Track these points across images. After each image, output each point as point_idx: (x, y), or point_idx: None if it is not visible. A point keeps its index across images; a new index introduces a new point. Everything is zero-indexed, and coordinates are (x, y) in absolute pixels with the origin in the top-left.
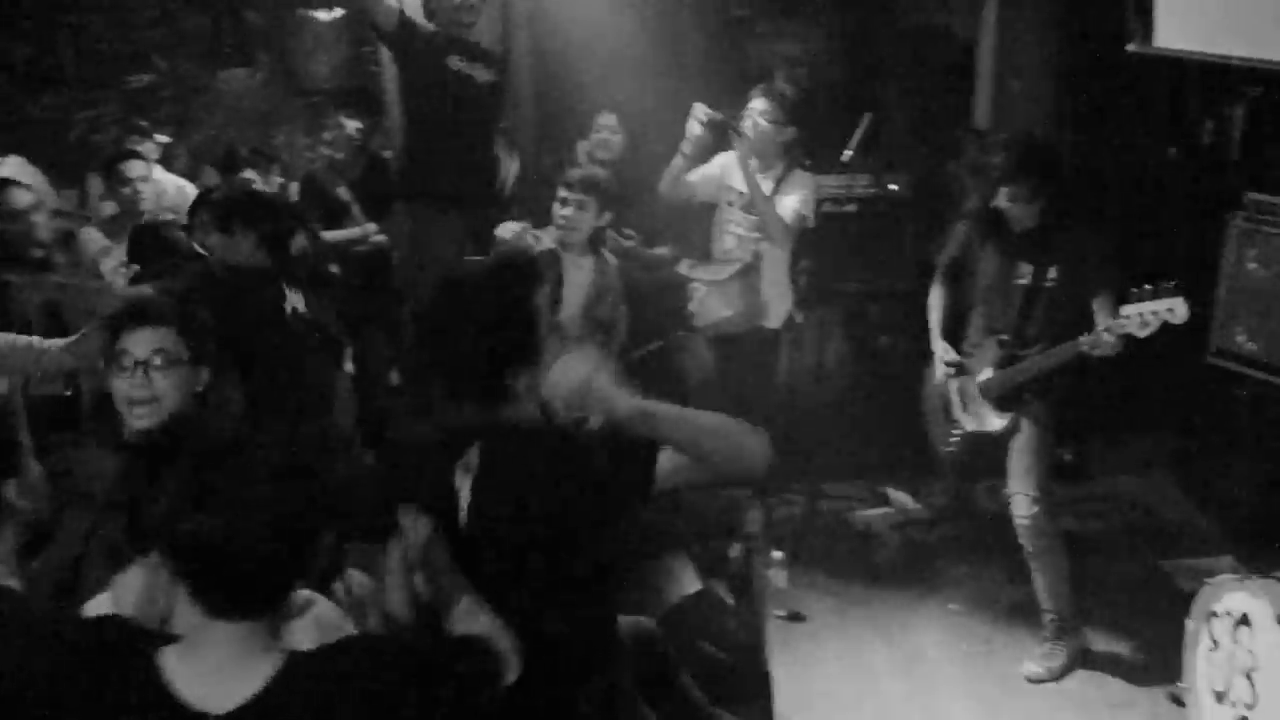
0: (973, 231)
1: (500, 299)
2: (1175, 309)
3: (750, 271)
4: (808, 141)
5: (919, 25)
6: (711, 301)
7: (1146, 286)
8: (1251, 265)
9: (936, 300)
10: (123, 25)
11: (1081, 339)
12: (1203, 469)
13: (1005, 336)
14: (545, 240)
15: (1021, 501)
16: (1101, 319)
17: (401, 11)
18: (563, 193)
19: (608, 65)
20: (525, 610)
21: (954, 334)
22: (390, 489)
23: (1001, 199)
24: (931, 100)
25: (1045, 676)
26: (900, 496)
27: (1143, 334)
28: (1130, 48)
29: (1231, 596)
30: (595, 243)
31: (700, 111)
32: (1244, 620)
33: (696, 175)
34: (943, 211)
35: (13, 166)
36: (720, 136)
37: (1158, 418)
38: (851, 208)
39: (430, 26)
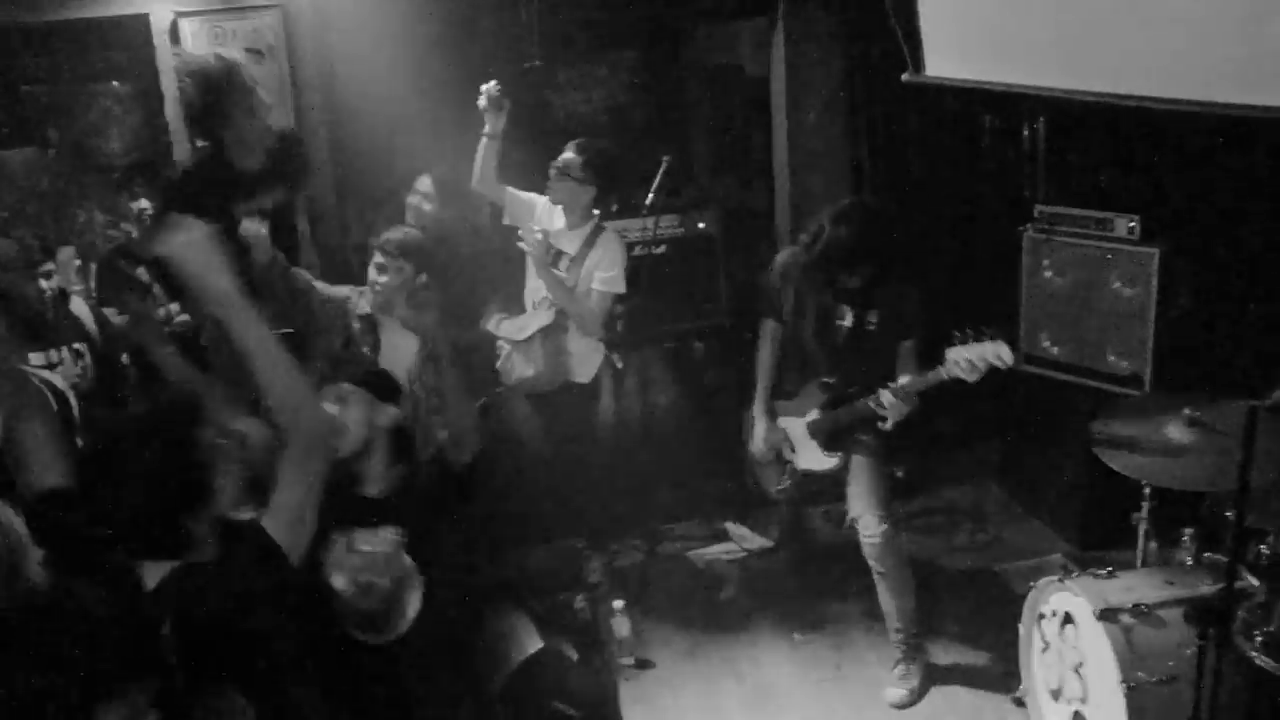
0: (793, 286)
1: (165, 444)
2: (1002, 354)
3: (554, 330)
4: (613, 193)
5: (713, 65)
6: (515, 360)
7: (968, 330)
8: (1048, 274)
9: (764, 356)
10: None
11: (874, 401)
12: (1027, 473)
13: (829, 380)
14: (363, 304)
15: (869, 521)
16: (903, 366)
17: None
18: (377, 257)
19: (405, 125)
20: None
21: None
22: None
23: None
24: (732, 137)
25: (910, 699)
26: (738, 529)
27: (972, 378)
28: (905, 78)
29: (1056, 597)
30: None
31: (488, 88)
32: (1068, 619)
33: (513, 197)
34: (753, 245)
35: None
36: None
37: (981, 427)
38: (662, 249)
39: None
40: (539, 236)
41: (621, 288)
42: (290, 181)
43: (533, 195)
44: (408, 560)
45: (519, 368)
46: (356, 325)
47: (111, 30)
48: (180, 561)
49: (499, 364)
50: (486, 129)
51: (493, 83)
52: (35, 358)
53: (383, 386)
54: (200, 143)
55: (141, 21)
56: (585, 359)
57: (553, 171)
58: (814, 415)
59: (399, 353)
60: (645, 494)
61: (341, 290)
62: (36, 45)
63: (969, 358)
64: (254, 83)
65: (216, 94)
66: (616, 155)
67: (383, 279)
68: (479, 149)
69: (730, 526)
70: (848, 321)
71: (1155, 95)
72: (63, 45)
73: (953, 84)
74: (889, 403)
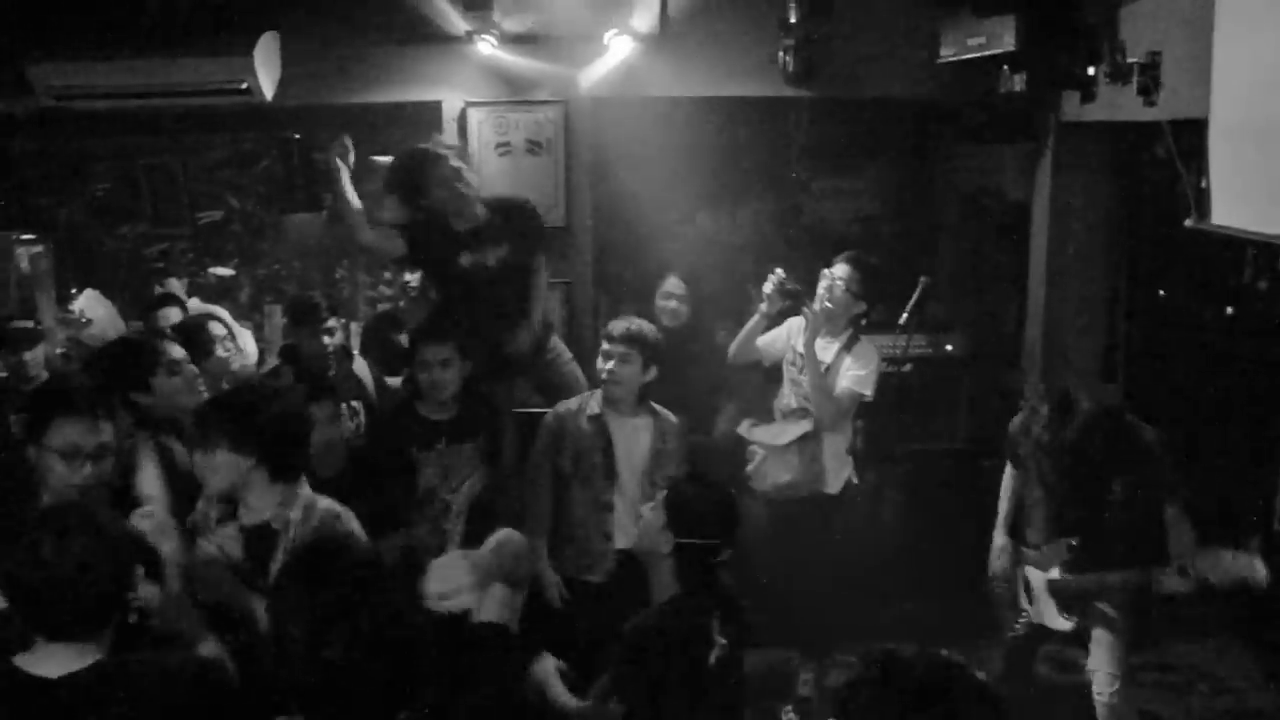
0: (1037, 430)
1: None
2: (1257, 574)
3: (812, 438)
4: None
5: (971, 185)
6: (771, 466)
7: (1226, 536)
8: None
9: (1004, 498)
10: (198, 165)
11: (1158, 574)
12: (1274, 639)
13: (1074, 542)
14: (594, 404)
15: (1102, 679)
16: (1176, 535)
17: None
18: (605, 345)
19: (665, 227)
20: None
21: (1019, 515)
22: None
23: None
24: (985, 259)
25: None
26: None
27: (1218, 584)
28: (1187, 224)
29: None
30: (647, 399)
31: (777, 278)
32: None
33: (765, 339)
34: (998, 372)
35: (86, 299)
36: (794, 303)
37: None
38: (908, 368)
39: (431, 227)
40: (843, 294)
41: (870, 390)
42: (516, 241)
43: (779, 330)
44: None
45: (774, 473)
46: (587, 428)
47: (405, 113)
48: None
49: (751, 468)
50: (764, 308)
51: (781, 271)
52: (315, 410)
53: None
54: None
55: (434, 108)
56: (836, 471)
57: (824, 283)
58: (1055, 575)
59: (631, 446)
60: (864, 611)
61: (572, 403)
62: (332, 121)
63: (1220, 566)
64: (457, 166)
65: (415, 172)
66: (885, 272)
67: (610, 366)
68: (750, 324)
69: (948, 655)
70: (1093, 484)
71: None
72: (355, 123)
73: (1241, 236)
74: (1174, 586)
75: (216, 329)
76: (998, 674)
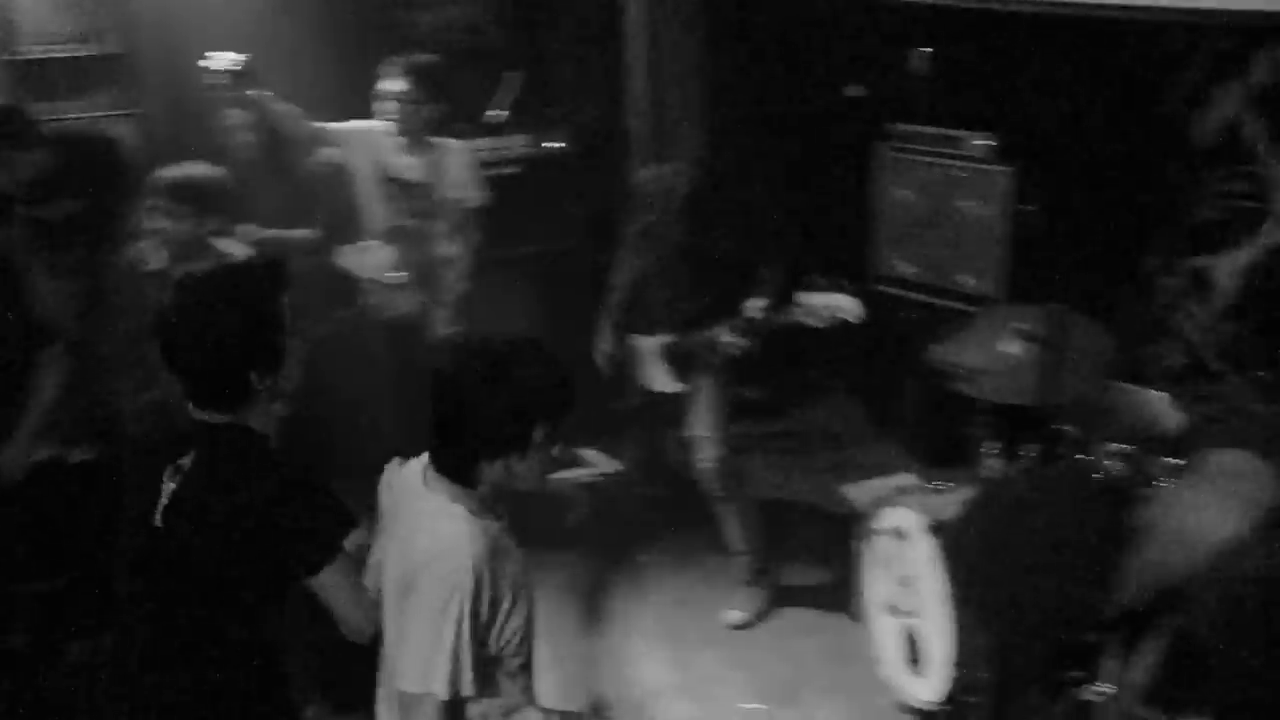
0: (643, 201)
1: (246, 302)
2: (849, 308)
3: (434, 265)
4: (462, 111)
5: None
6: (393, 296)
7: (821, 279)
8: (901, 192)
9: (618, 271)
10: None
11: (726, 335)
12: (881, 394)
13: (681, 304)
14: (155, 260)
15: (704, 444)
16: (760, 290)
17: None
18: (150, 200)
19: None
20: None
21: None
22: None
23: None
24: (588, 54)
25: (748, 619)
26: (593, 455)
27: (818, 325)
28: None
29: (892, 513)
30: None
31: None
32: (903, 534)
33: (350, 130)
34: (609, 166)
35: None
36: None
37: (837, 347)
38: (511, 170)
39: None
40: (407, 106)
41: (479, 192)
42: (86, 190)
43: (357, 129)
44: None
45: (400, 302)
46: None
47: None
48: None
49: (374, 300)
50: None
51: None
52: None
53: None
54: None
55: None
56: (455, 283)
57: (387, 104)
58: (664, 338)
59: None
60: None
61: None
62: None
63: (816, 306)
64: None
65: None
66: (444, 66)
67: (159, 224)
68: None
69: (584, 452)
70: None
71: None
72: None
73: None
74: (729, 339)
75: None
76: (628, 462)
